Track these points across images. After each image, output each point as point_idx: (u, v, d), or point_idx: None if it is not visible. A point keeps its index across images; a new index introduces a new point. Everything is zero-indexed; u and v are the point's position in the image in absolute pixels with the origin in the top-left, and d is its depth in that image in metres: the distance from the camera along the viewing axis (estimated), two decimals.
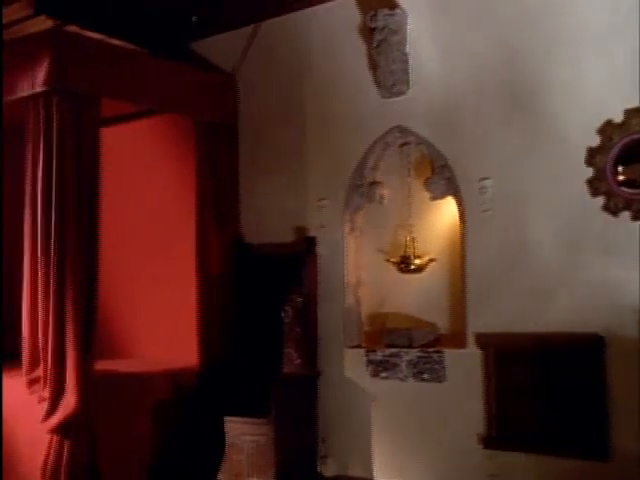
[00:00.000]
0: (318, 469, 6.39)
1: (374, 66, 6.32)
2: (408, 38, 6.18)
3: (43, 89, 5.71)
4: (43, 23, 6.26)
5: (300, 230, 6.67)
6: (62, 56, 5.73)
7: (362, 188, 6.48)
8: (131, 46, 6.70)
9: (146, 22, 6.82)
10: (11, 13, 6.21)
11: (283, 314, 6.36)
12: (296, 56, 6.81)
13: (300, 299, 6.38)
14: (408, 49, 6.19)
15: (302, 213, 6.71)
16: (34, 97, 5.78)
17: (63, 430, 5.55)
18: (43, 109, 5.73)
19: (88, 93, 5.85)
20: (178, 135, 7.00)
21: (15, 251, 6.01)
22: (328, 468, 6.42)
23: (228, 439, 6.17)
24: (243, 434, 6.13)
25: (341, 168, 6.52)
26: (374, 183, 6.49)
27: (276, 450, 5.99)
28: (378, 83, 6.31)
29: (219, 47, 7.15)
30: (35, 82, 5.75)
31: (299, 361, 6.29)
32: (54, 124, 5.68)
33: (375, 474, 6.20)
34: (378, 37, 6.22)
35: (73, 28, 6.23)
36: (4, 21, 6.14)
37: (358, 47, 6.45)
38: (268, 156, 6.93)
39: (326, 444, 6.43)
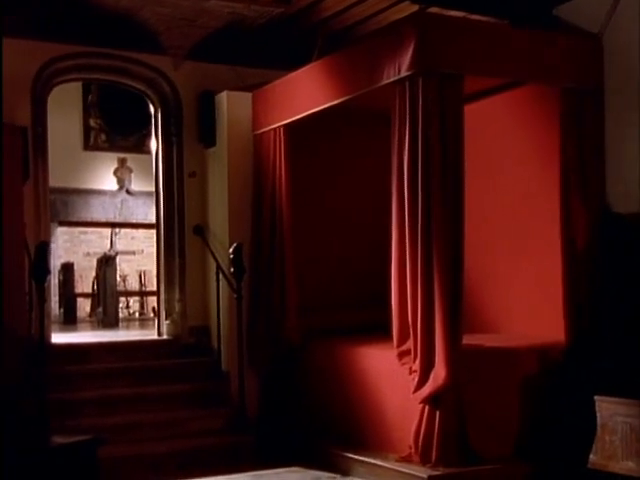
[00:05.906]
0: None
1: None
2: None
3: (408, 73, 5.86)
4: (407, 9, 6.47)
5: None
6: (427, 38, 5.85)
7: None
8: (493, 20, 6.67)
9: None
10: (376, 3, 6.48)
11: None
12: None
13: None
14: None
15: None
16: (399, 82, 5.97)
17: (433, 401, 5.75)
18: (408, 92, 5.88)
19: (452, 72, 5.90)
20: (540, 105, 6.80)
21: (383, 232, 6.34)
22: None
23: (600, 419, 5.96)
24: (616, 414, 5.85)
25: None
26: None
27: None
28: None
29: (584, 9, 6.77)
30: (401, 67, 5.93)
31: None
32: (419, 106, 5.81)
33: None
34: None
35: (435, 10, 6.34)
36: (370, 11, 6.44)
37: None
38: (636, 118, 6.46)
39: None
